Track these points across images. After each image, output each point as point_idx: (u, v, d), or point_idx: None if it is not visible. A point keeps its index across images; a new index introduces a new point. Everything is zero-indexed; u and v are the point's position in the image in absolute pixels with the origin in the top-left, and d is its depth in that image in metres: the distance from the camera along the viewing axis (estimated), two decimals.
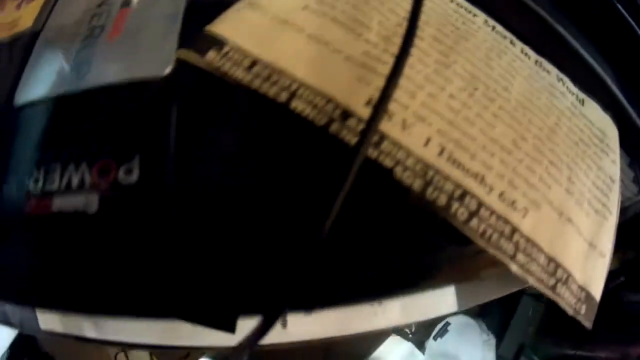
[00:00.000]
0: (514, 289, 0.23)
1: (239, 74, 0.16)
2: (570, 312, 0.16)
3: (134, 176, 0.15)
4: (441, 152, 0.16)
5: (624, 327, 0.40)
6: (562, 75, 0.20)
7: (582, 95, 0.20)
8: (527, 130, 0.18)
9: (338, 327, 0.24)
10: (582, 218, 0.18)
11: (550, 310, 0.43)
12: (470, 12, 0.20)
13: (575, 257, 0.17)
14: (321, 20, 0.17)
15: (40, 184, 0.17)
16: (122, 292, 0.16)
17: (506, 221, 0.16)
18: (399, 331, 0.54)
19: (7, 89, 0.20)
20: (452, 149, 0.16)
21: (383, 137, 0.15)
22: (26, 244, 0.18)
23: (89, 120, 0.17)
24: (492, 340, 0.50)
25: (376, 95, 0.16)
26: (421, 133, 0.16)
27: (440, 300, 0.22)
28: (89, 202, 0.15)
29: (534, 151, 0.18)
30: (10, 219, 0.18)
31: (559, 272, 0.16)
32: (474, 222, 0.15)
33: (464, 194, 0.15)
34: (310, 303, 0.15)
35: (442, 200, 0.15)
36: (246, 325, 0.24)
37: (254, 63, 0.16)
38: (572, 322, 0.17)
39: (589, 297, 0.17)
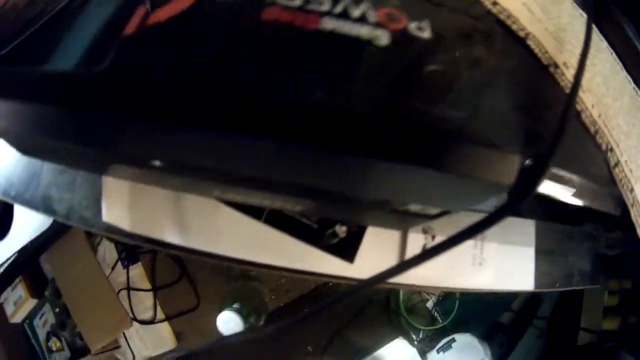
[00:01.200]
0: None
1: (487, 4, 0.20)
2: None
3: (426, 33, 0.17)
4: (599, 115, 0.21)
5: None
6: None
7: None
8: (632, 129, 0.24)
9: (444, 278, 0.27)
10: None
11: (550, 348, 0.47)
12: (598, 35, 0.27)
13: None
14: None
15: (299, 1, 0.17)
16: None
17: (628, 180, 0.21)
18: (406, 335, 0.57)
19: None
20: (604, 117, 0.21)
21: None
22: (255, 51, 0.17)
23: None
24: None
25: (568, 61, 0.21)
26: (589, 98, 0.21)
27: (523, 275, 0.27)
28: (379, 36, 0.17)
29: (637, 144, 0.24)
30: (241, 22, 0.17)
31: None
32: (617, 170, 0.20)
33: (612, 148, 0.21)
34: None
35: (603, 146, 0.20)
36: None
37: (495, 2, 0.20)
38: None
39: None
